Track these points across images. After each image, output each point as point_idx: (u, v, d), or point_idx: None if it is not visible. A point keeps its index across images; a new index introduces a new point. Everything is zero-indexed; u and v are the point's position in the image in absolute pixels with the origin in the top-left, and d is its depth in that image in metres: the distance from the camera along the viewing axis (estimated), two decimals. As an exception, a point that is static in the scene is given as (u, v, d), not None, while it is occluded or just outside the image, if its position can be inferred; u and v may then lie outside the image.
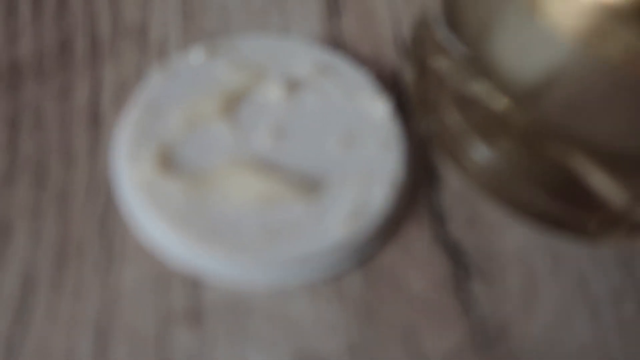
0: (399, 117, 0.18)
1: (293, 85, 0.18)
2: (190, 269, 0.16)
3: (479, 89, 0.16)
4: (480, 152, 0.17)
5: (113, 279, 0.16)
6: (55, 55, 0.18)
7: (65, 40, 0.19)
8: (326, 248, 0.16)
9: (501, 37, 0.15)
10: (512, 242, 0.17)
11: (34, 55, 0.18)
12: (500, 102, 0.16)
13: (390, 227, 0.17)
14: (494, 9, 0.15)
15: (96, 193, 0.17)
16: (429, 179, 0.18)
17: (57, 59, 0.18)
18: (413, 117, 0.18)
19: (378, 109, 0.17)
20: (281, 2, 0.20)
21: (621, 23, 0.13)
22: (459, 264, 0.17)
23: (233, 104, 0.17)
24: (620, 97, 0.14)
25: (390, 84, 0.19)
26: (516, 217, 0.17)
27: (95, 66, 0.18)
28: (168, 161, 0.16)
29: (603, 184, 0.16)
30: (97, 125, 0.17)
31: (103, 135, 0.17)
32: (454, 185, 0.18)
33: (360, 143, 0.17)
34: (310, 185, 0.16)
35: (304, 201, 0.16)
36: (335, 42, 0.19)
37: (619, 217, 0.17)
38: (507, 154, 0.17)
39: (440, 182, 0.18)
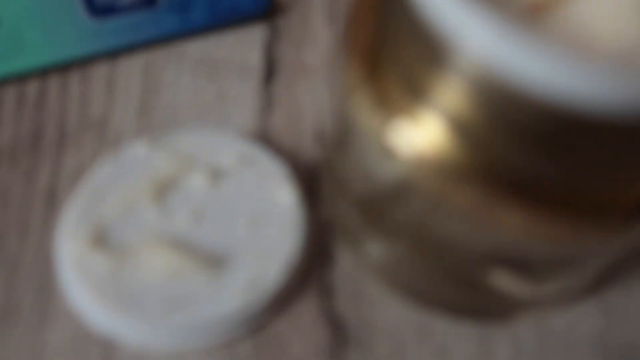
0: (306, 204, 0.21)
1: (216, 174, 0.21)
2: (106, 331, 0.19)
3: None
4: (375, 248, 0.19)
5: (42, 337, 0.19)
6: (28, 143, 0.22)
7: (38, 131, 0.22)
8: (221, 317, 0.19)
9: (351, 155, 0.18)
10: (388, 316, 0.19)
11: (11, 143, 0.22)
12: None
13: (281, 300, 0.19)
14: (345, 133, 0.18)
15: (40, 264, 0.20)
16: (323, 260, 0.20)
17: (29, 146, 0.22)
18: (321, 206, 0.21)
19: (285, 197, 0.20)
20: (223, 99, 0.23)
21: (432, 173, 0.15)
22: (339, 334, 0.19)
23: (163, 190, 0.20)
24: (460, 219, 0.16)
25: (306, 174, 0.22)
26: (397, 296, 0.20)
27: (59, 153, 0.22)
28: (100, 239, 0.20)
29: (501, 282, 0.18)
30: (52, 205, 0.21)
31: (55, 214, 0.21)
32: (345, 266, 0.20)
33: (264, 225, 0.20)
34: (215, 261, 0.19)
35: (208, 275, 0.19)
36: (264, 135, 0.22)
37: (522, 304, 0.19)
38: (401, 252, 0.19)
39: (333, 262, 0.20)
